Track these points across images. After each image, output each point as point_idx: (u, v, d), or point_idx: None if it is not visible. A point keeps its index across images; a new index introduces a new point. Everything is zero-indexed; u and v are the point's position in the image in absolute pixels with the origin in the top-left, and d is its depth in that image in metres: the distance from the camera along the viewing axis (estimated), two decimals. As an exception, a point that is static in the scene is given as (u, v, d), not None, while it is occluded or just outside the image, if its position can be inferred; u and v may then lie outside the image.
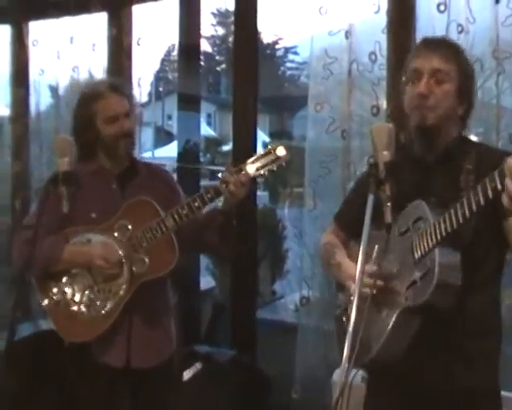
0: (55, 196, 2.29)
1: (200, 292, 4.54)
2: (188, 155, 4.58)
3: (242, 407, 3.58)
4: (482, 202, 1.66)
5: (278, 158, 2.36)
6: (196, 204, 2.39)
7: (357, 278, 1.68)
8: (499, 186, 1.61)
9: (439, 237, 1.79)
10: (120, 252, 2.46)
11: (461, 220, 1.73)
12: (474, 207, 1.69)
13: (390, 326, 1.91)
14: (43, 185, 2.52)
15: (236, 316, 4.00)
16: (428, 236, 1.82)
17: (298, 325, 3.71)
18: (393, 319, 1.91)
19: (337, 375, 3.01)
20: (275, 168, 2.37)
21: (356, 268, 1.87)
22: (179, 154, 4.56)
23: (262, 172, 2.37)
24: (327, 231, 2.36)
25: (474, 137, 2.72)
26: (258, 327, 3.98)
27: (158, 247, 2.43)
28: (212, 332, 4.34)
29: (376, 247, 1.94)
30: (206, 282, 5.27)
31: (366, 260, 1.92)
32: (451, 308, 1.83)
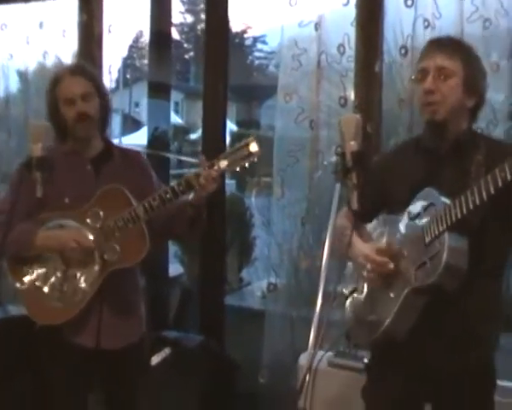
0: (28, 182, 2.30)
1: (169, 278, 4.57)
2: (157, 142, 4.60)
3: (210, 392, 3.63)
4: (492, 190, 1.77)
5: (251, 154, 2.37)
6: (168, 196, 2.41)
7: (324, 261, 1.74)
8: (509, 177, 1.72)
9: (449, 221, 1.89)
10: (92, 238, 2.48)
11: (471, 207, 1.83)
12: (484, 195, 1.79)
13: (398, 305, 2.01)
14: (16, 170, 2.52)
15: (205, 302, 4.04)
16: (439, 220, 1.92)
17: (265, 311, 3.76)
18: (402, 298, 2.01)
19: (303, 359, 3.12)
20: (247, 165, 2.39)
21: (365, 246, 2.09)
22: (149, 141, 4.57)
23: (234, 167, 2.39)
24: (339, 215, 2.36)
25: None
26: (225, 313, 4.03)
27: (129, 236, 2.46)
28: (181, 318, 4.38)
29: (387, 229, 2.10)
30: (175, 269, 5.29)
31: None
32: (457, 291, 1.93)
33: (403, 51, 3.32)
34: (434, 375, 2.08)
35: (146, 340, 2.77)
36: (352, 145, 1.86)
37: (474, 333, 2.05)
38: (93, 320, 2.52)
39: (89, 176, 2.59)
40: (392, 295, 2.06)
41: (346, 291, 2.26)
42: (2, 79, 4.70)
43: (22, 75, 4.60)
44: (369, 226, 2.25)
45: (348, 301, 2.26)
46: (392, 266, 2.04)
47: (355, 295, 2.25)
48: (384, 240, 2.14)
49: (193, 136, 18.13)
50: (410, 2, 3.30)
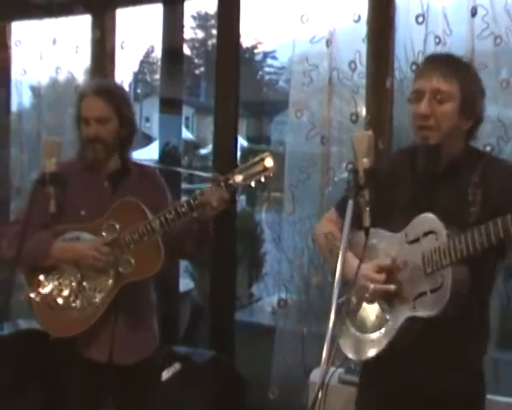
0: (43, 196, 2.32)
1: (179, 294, 4.58)
2: (168, 157, 4.63)
3: (220, 407, 3.62)
4: (502, 234, 1.74)
5: (266, 169, 2.38)
6: (183, 209, 2.43)
7: (335, 283, 1.74)
8: None
9: (453, 257, 1.84)
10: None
11: (478, 248, 1.79)
12: (493, 239, 1.75)
13: (397, 329, 1.99)
14: (32, 185, 2.54)
15: (215, 318, 4.04)
16: (442, 253, 1.87)
17: (276, 327, 3.76)
18: (399, 323, 1.99)
19: (315, 375, 3.12)
20: (262, 179, 2.40)
21: (363, 265, 1.99)
22: (160, 156, 4.60)
23: (249, 182, 2.40)
24: (324, 218, 2.40)
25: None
26: (236, 329, 4.03)
27: (144, 249, 2.47)
28: (191, 333, 4.38)
29: (382, 246, 2.08)
30: (185, 284, 5.30)
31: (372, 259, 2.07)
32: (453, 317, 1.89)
33: (414, 68, 3.32)
34: (418, 397, 2.07)
35: (158, 355, 2.78)
36: (365, 162, 1.85)
37: (461, 355, 2.04)
38: (106, 334, 2.54)
39: (106, 191, 2.61)
40: (387, 316, 2.05)
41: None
42: (16, 94, 4.75)
43: (35, 90, 4.64)
44: (357, 235, 2.19)
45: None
46: (392, 287, 2.02)
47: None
48: (379, 256, 2.10)
49: (203, 151, 18.15)
50: (420, 19, 3.31)
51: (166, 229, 2.45)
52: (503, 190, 1.97)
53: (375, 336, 2.09)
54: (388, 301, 2.05)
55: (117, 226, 2.51)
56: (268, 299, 5.28)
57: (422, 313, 1.94)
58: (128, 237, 2.48)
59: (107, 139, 2.57)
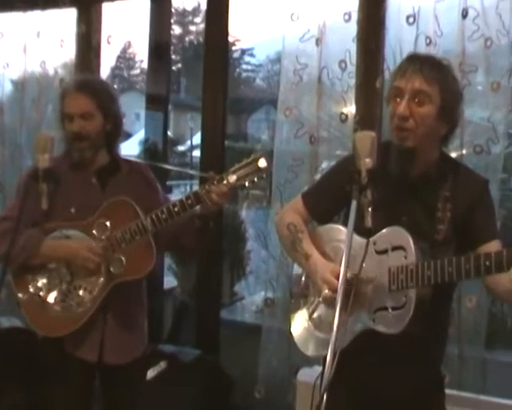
0: (34, 192, 2.28)
1: (164, 291, 4.55)
2: (148, 153, 4.59)
3: (206, 406, 3.61)
4: (472, 274, 1.74)
5: (259, 169, 2.36)
6: (176, 209, 2.40)
7: (340, 283, 1.72)
8: (494, 269, 1.70)
9: (420, 282, 1.84)
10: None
11: (446, 279, 1.79)
12: (462, 274, 1.75)
13: (351, 338, 1.98)
14: (23, 180, 2.49)
15: (200, 316, 4.01)
16: (409, 275, 1.86)
17: (262, 325, 3.74)
18: (356, 331, 1.99)
19: (303, 375, 3.10)
20: (256, 180, 2.38)
21: (326, 266, 2.02)
22: (145, 152, 4.57)
23: (243, 182, 2.38)
24: (289, 206, 2.37)
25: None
26: (221, 328, 4.01)
27: (136, 249, 2.44)
28: (176, 332, 4.35)
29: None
30: (168, 281, 5.27)
31: (336, 261, 2.03)
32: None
33: (404, 68, 3.32)
34: (378, 399, 2.07)
35: (146, 355, 2.75)
36: (368, 162, 1.83)
37: (423, 356, 2.05)
38: (96, 334, 2.51)
39: (94, 188, 2.57)
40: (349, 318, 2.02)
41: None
42: (-2, 87, 4.67)
43: (18, 84, 4.56)
44: (321, 230, 2.22)
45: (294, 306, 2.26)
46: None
47: (301, 301, 2.23)
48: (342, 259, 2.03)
49: (181, 147, 18.08)
50: (411, 20, 3.31)
51: (159, 228, 2.42)
52: (473, 208, 1.98)
53: (329, 335, 2.08)
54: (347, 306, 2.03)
55: (108, 225, 2.48)
56: (250, 298, 5.26)
57: (381, 328, 1.93)
58: (119, 236, 2.45)
59: (91, 135, 2.53)
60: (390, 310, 1.91)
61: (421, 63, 1.98)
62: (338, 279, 1.95)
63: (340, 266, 1.87)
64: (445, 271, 1.79)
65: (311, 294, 2.20)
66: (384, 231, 1.97)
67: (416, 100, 1.94)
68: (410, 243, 1.89)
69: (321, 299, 2.07)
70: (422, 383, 2.07)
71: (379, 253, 1.97)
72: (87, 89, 2.54)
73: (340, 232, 2.15)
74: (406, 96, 1.94)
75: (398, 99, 1.97)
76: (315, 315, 2.17)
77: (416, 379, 2.05)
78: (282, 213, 2.40)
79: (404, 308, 1.87)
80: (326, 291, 2.01)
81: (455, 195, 1.98)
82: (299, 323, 2.22)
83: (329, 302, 2.04)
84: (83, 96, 2.52)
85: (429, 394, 2.10)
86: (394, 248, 1.94)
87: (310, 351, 2.18)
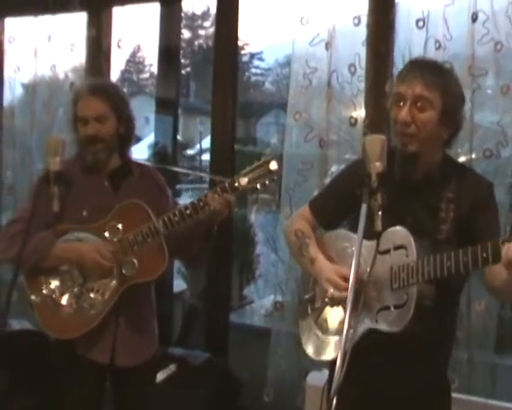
0: (46, 195, 2.29)
1: (173, 294, 4.55)
2: (157, 157, 4.60)
3: (215, 409, 3.61)
4: (470, 267, 1.75)
5: (270, 172, 2.37)
6: (188, 212, 2.41)
7: (350, 284, 1.72)
8: (490, 259, 1.70)
9: (420, 278, 1.86)
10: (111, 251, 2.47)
11: (445, 273, 1.80)
12: (461, 268, 1.77)
13: (356, 338, 1.94)
14: (36, 183, 2.50)
15: (210, 319, 4.02)
16: (410, 272, 1.88)
17: (271, 329, 3.74)
18: (360, 332, 1.98)
19: (312, 378, 3.10)
20: (267, 182, 2.38)
21: (330, 268, 2.05)
22: (154, 156, 4.58)
23: (254, 185, 2.39)
24: (297, 214, 2.37)
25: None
26: (231, 331, 4.01)
27: (148, 251, 2.45)
28: (186, 335, 4.35)
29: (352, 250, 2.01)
30: (178, 285, 5.28)
31: (341, 264, 2.04)
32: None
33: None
34: (381, 400, 2.08)
35: (157, 357, 2.75)
36: (378, 166, 1.83)
37: (428, 359, 2.05)
38: (108, 336, 2.52)
39: (107, 191, 2.58)
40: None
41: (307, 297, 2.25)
42: (9, 91, 4.70)
43: (28, 88, 4.59)
44: (329, 235, 2.23)
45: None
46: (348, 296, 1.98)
47: (308, 306, 2.24)
48: (348, 261, 2.02)
49: (190, 151, 18.10)
50: (421, 24, 3.31)
51: (170, 231, 2.43)
52: (476, 209, 1.98)
53: (335, 339, 2.09)
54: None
55: (120, 227, 2.49)
56: (260, 301, 5.26)
57: (384, 327, 1.94)
58: (131, 239, 2.46)
59: (106, 138, 2.54)
60: (392, 309, 1.93)
61: (422, 69, 1.99)
62: (342, 279, 2.02)
63: (346, 268, 1.89)
64: (444, 265, 1.80)
65: (317, 298, 2.21)
66: (386, 231, 1.95)
67: (418, 105, 1.95)
68: (411, 242, 1.91)
69: (327, 299, 2.09)
70: (425, 385, 2.06)
71: (381, 253, 1.98)
72: (101, 92, 2.56)
73: (347, 237, 2.17)
74: (408, 101, 1.95)
75: (401, 104, 1.97)
76: (320, 319, 2.18)
77: (418, 381, 2.05)
78: (290, 220, 2.42)
79: (406, 306, 1.88)
80: (331, 290, 2.04)
81: (458, 196, 1.98)
82: (306, 327, 2.23)
83: (335, 302, 2.07)
84: (96, 99, 2.53)
85: (432, 397, 2.09)
86: (396, 248, 1.95)
87: (316, 355, 2.18)
